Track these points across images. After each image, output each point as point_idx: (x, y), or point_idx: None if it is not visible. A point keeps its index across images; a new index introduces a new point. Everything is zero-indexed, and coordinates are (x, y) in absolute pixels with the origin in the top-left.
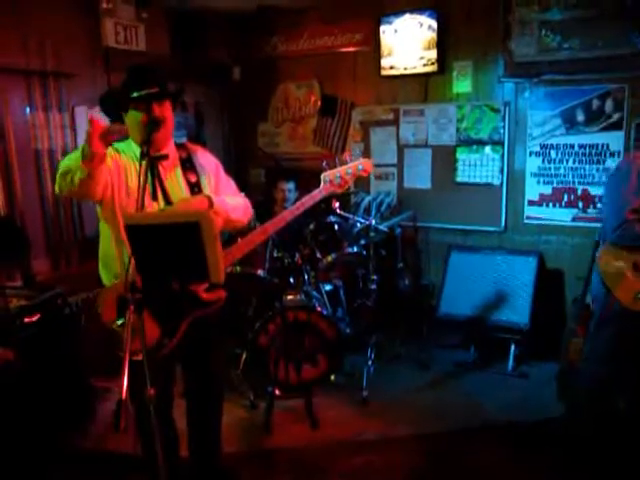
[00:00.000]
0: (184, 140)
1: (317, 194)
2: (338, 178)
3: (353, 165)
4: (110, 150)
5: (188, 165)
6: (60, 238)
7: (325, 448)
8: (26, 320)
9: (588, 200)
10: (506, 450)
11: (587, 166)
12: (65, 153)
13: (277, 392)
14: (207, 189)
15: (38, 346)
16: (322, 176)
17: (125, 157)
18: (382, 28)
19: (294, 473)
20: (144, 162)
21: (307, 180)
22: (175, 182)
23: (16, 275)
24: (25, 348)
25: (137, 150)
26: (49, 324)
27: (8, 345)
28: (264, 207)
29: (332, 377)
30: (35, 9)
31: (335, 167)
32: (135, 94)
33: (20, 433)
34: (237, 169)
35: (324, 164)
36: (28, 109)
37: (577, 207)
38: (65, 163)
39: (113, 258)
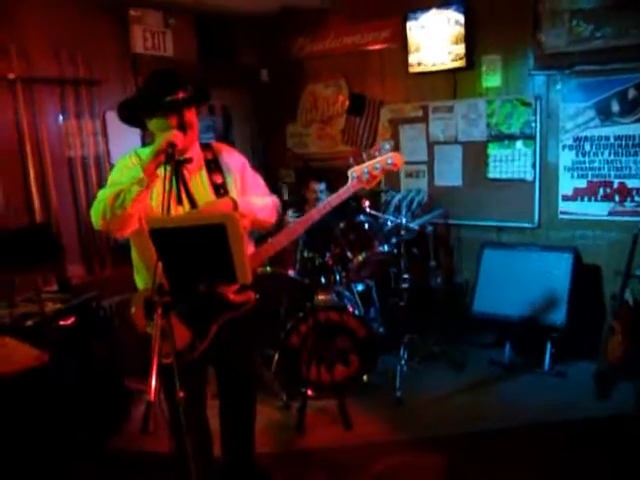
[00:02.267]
0: (210, 138)
1: (345, 191)
2: (366, 174)
3: (382, 159)
4: (132, 156)
5: (213, 166)
6: (94, 243)
7: (358, 449)
8: (61, 323)
9: (625, 193)
10: (544, 450)
11: (623, 158)
12: (97, 159)
13: (310, 393)
14: (233, 189)
15: (73, 348)
16: (349, 172)
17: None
18: (409, 24)
19: (327, 474)
20: (169, 167)
21: (336, 179)
22: (200, 185)
23: (52, 280)
24: (60, 350)
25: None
26: (84, 327)
27: (44, 347)
28: (296, 206)
29: (365, 377)
30: (65, 19)
31: (362, 162)
32: (167, 99)
33: (56, 434)
34: (267, 170)
35: (351, 160)
36: (61, 117)
37: (614, 200)
38: (109, 190)
39: (143, 263)
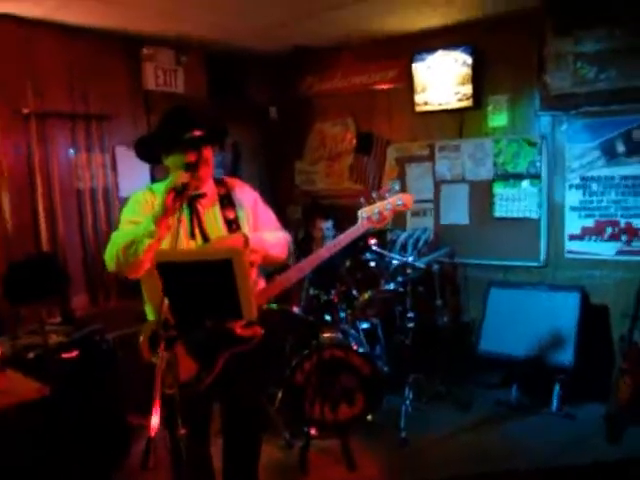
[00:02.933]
0: (221, 174)
1: (355, 231)
2: (377, 214)
3: (392, 200)
4: (145, 192)
5: (226, 202)
6: (99, 274)
7: None
8: (64, 356)
9: (632, 233)
10: None
11: (630, 198)
12: (105, 192)
13: (313, 432)
14: (245, 225)
15: (75, 382)
16: (359, 212)
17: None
18: (415, 65)
19: None
20: (177, 208)
21: (343, 216)
22: (213, 220)
23: (56, 311)
24: (63, 384)
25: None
26: (87, 360)
27: (46, 380)
28: (305, 244)
29: (369, 417)
30: (79, 56)
31: (373, 203)
32: (187, 136)
33: (56, 468)
34: (274, 206)
35: (361, 200)
36: (72, 150)
37: (621, 240)
38: (123, 238)
39: (151, 295)
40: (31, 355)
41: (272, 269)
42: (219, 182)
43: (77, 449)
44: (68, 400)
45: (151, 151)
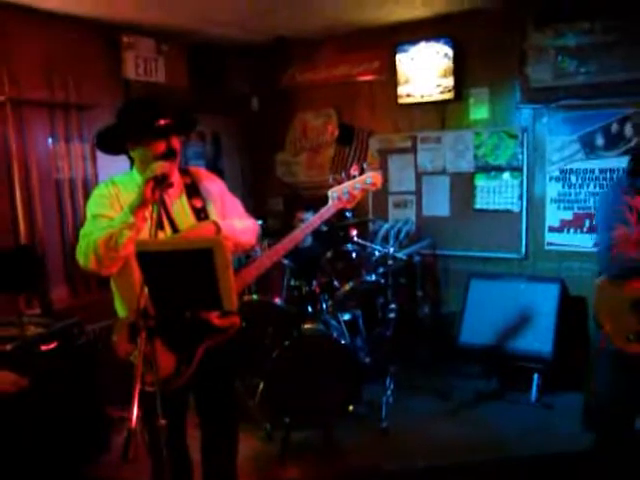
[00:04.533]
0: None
1: (325, 212)
2: (346, 193)
3: (361, 179)
4: (109, 185)
5: (193, 191)
6: (79, 266)
7: (343, 479)
8: (42, 348)
9: None
10: None
11: None
12: (85, 183)
13: (294, 423)
14: (213, 214)
15: (54, 374)
16: (329, 192)
17: (126, 191)
18: (398, 57)
19: None
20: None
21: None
22: (181, 209)
23: (34, 303)
24: (41, 376)
25: (141, 182)
26: (65, 352)
27: (24, 372)
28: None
29: (350, 407)
30: (58, 43)
31: (342, 182)
32: (156, 125)
33: (35, 461)
34: (255, 198)
35: (330, 180)
36: (50, 140)
37: None
38: (99, 232)
39: (125, 292)
40: (9, 347)
41: (243, 257)
42: (184, 172)
43: (56, 441)
44: (47, 392)
45: (115, 142)
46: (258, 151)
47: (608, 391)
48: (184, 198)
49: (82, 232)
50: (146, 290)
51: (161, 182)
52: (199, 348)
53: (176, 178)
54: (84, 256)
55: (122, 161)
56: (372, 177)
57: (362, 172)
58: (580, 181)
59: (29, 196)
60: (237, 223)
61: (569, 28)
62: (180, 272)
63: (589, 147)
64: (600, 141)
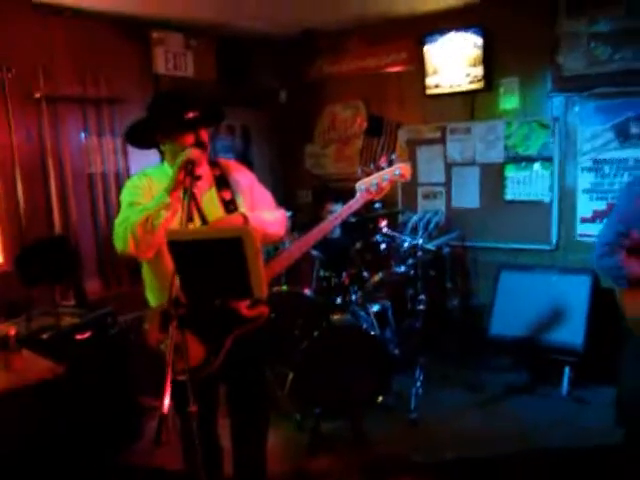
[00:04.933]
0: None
1: (354, 203)
2: (374, 185)
3: (389, 170)
4: (142, 177)
5: (222, 183)
6: (111, 259)
7: (373, 470)
8: (77, 337)
9: None
10: (560, 477)
11: None
12: (117, 176)
13: (323, 413)
14: (242, 206)
15: (88, 362)
16: (357, 185)
17: (159, 182)
18: (426, 47)
19: None
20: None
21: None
22: (210, 202)
23: (69, 294)
24: (76, 364)
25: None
26: (99, 342)
27: (59, 361)
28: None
29: (380, 399)
30: (90, 41)
31: (371, 174)
32: (185, 117)
33: (70, 448)
34: (284, 190)
35: (359, 172)
36: (83, 134)
37: None
38: (136, 216)
39: (157, 281)
40: (45, 336)
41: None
42: (213, 164)
43: (90, 428)
44: (81, 380)
45: (145, 136)
46: (287, 143)
47: (637, 385)
48: (214, 190)
49: (117, 220)
50: (178, 279)
51: (192, 167)
52: (228, 338)
53: (205, 170)
54: (122, 240)
55: (153, 155)
56: (401, 169)
57: (391, 164)
58: (614, 171)
59: (63, 190)
60: (265, 215)
61: (602, 14)
62: (210, 261)
63: (623, 136)
64: (635, 129)
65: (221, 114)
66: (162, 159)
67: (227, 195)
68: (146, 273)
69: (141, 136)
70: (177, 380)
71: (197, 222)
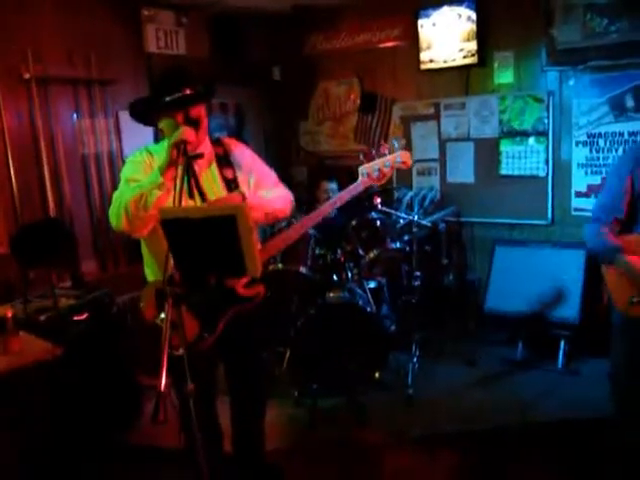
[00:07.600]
0: (222, 135)
1: (355, 187)
2: (376, 171)
3: (391, 157)
4: (143, 153)
5: (224, 161)
6: (107, 240)
7: (370, 445)
8: (75, 318)
9: None
10: (556, 449)
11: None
12: (110, 157)
13: (321, 390)
14: (244, 184)
15: (86, 343)
16: (360, 169)
17: (160, 158)
18: (420, 22)
19: (338, 470)
20: (180, 163)
21: (348, 178)
22: (211, 179)
23: (66, 276)
24: (74, 345)
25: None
26: (97, 322)
27: (57, 342)
28: (307, 206)
29: (377, 374)
30: (79, 20)
31: (373, 160)
32: (168, 99)
33: (68, 428)
34: (279, 168)
35: (361, 157)
36: (75, 116)
37: None
38: (130, 192)
39: (154, 258)
40: (42, 318)
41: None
42: (216, 142)
43: (89, 408)
44: (80, 360)
45: (145, 114)
46: (281, 121)
47: (621, 362)
48: (215, 168)
49: (114, 196)
50: (172, 258)
51: (184, 146)
52: (222, 317)
53: (207, 148)
54: (116, 217)
55: (148, 134)
56: (402, 156)
57: (392, 150)
58: (609, 145)
59: (56, 171)
60: (267, 193)
61: None
62: (204, 239)
63: (618, 109)
64: (630, 103)
65: (210, 91)
66: (156, 138)
67: (229, 173)
68: (144, 250)
69: (142, 113)
70: (174, 356)
71: (197, 200)
